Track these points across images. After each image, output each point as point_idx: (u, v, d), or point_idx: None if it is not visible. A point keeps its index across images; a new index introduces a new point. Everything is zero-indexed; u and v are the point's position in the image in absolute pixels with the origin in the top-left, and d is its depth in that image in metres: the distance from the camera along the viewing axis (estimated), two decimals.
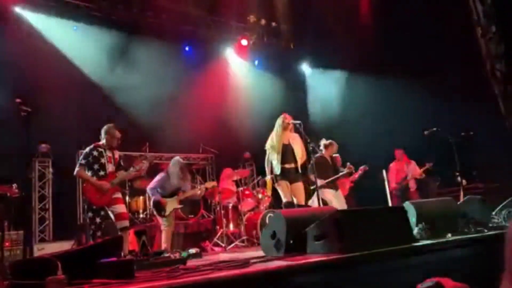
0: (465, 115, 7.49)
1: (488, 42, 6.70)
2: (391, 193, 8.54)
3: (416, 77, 8.44)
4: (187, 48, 10.61)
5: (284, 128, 5.78)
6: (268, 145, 5.87)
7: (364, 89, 9.97)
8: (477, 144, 7.32)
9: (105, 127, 5.43)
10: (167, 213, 6.35)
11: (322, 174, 6.38)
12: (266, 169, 5.92)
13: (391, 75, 8.93)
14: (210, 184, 7.36)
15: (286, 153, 5.73)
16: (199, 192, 7.01)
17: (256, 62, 11.61)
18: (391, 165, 9.00)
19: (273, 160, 5.76)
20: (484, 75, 6.66)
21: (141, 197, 8.15)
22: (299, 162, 5.80)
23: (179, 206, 6.62)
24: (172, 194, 6.50)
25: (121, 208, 5.29)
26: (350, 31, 9.51)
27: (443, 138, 6.57)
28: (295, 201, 5.71)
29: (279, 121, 5.84)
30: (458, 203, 4.91)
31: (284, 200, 5.69)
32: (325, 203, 6.32)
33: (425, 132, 6.82)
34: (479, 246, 3.50)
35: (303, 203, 5.76)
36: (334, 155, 7.09)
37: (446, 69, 8.10)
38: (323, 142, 6.86)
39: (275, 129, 5.87)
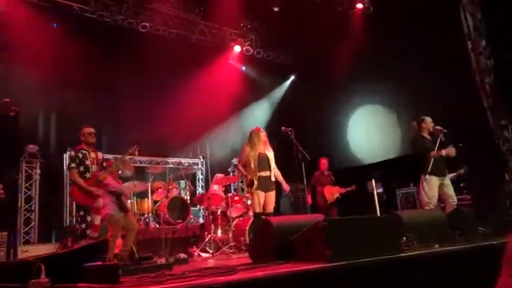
0: (454, 125, 7.52)
1: (478, 56, 6.78)
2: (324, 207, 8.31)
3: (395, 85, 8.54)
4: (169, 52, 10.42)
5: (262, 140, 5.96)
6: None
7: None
8: (465, 155, 7.35)
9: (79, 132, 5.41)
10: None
11: None
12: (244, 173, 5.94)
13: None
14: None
15: (262, 161, 5.85)
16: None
17: (247, 68, 11.65)
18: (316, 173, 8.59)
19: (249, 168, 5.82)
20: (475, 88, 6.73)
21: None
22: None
23: None
24: None
25: None
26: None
27: None
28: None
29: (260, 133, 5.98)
30: (446, 213, 4.95)
31: (256, 210, 5.77)
32: None
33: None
34: (466, 257, 3.51)
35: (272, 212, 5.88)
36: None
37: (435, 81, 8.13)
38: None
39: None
